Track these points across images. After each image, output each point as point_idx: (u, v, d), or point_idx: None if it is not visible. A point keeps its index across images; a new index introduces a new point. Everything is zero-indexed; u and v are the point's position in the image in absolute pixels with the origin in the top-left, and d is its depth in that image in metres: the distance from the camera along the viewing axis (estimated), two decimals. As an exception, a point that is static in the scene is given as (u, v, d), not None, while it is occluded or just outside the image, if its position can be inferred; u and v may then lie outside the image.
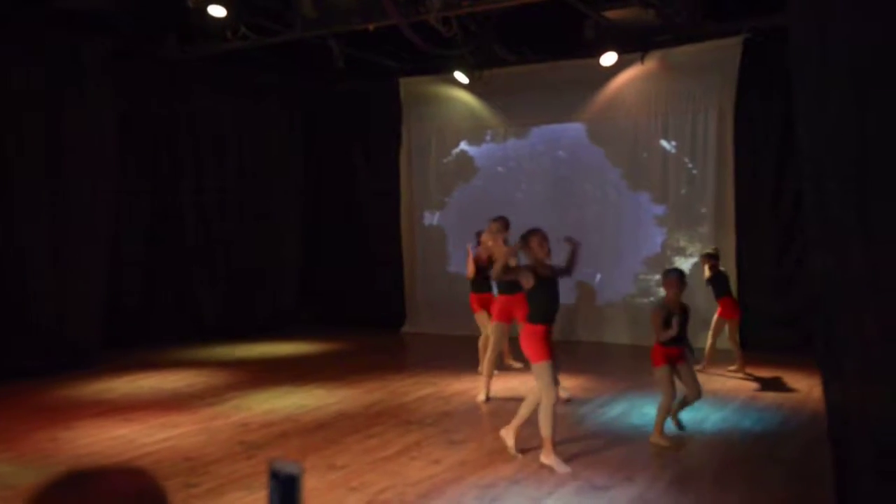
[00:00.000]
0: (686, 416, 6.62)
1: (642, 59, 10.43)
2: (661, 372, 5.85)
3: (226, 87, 11.55)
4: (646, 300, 10.63)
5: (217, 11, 8.81)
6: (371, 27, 9.22)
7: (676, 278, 6.04)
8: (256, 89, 11.99)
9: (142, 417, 6.73)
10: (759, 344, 9.30)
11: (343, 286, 12.66)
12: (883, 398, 2.80)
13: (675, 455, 5.61)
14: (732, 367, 8.47)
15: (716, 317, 8.54)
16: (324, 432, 6.27)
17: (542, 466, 5.30)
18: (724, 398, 7.31)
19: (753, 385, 7.92)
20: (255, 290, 11.98)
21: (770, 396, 7.42)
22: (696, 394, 5.95)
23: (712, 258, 8.62)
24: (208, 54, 10.22)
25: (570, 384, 7.90)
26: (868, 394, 2.83)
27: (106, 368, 8.88)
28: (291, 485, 1.31)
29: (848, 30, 2.73)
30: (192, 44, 9.99)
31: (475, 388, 7.90)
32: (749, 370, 8.43)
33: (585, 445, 5.84)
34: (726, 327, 8.56)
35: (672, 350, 5.89)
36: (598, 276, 10.92)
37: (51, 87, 9.03)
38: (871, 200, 2.63)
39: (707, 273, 8.68)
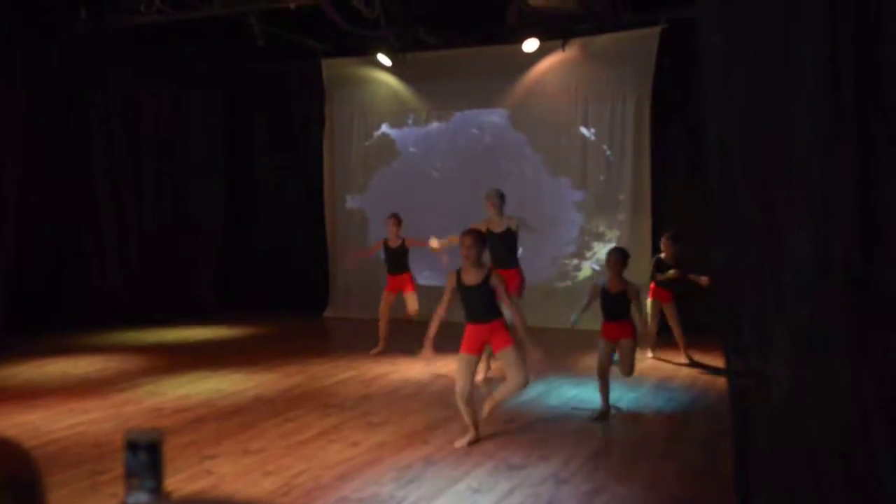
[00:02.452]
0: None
1: (563, 47, 10.56)
2: (600, 345, 6.28)
3: (141, 65, 11.16)
4: (563, 284, 10.82)
5: (130, -17, 8.49)
6: (293, 5, 9.06)
7: (614, 258, 6.20)
8: (173, 67, 11.63)
9: (48, 404, 6.49)
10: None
11: (264, 270, 12.47)
12: (782, 374, 2.92)
13: (589, 434, 5.74)
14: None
15: (650, 300, 8.36)
16: (240, 417, 6.17)
17: (461, 446, 5.35)
18: (638, 378, 7.50)
19: (667, 366, 8.17)
20: (172, 274, 11.67)
21: (682, 376, 7.67)
22: (624, 372, 6.34)
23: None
24: (121, 28, 9.85)
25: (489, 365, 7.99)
26: (767, 371, 2.95)
27: (11, 354, 8.51)
28: (154, 452, 1.28)
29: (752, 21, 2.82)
30: (104, 17, 9.60)
31: (396, 370, 7.92)
32: (663, 352, 8.66)
33: (502, 426, 5.91)
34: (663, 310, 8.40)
35: (609, 325, 6.23)
36: (520, 252, 10.99)
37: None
38: (773, 185, 2.74)
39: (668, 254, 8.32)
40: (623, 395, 6.81)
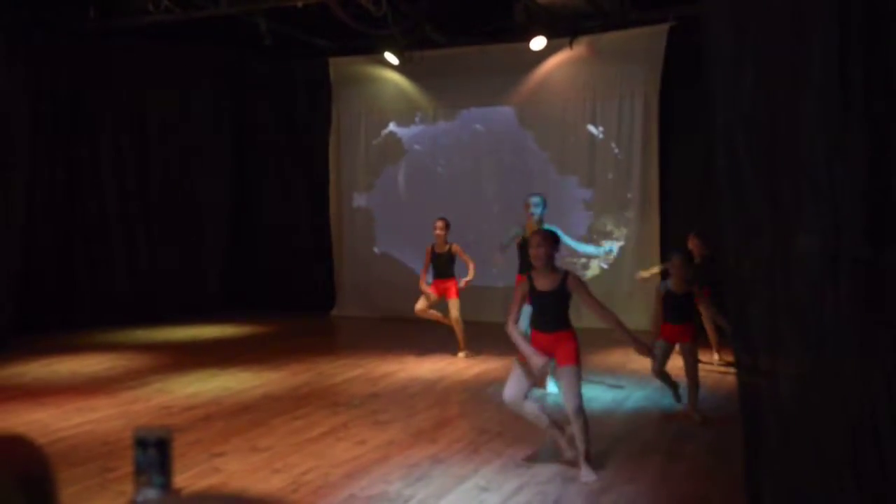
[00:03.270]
0: (610, 395, 6.80)
1: (571, 44, 10.54)
2: (659, 346, 6.03)
3: (148, 64, 11.20)
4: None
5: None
6: (300, 3, 9.07)
7: (679, 261, 6.14)
8: (180, 66, 11.66)
9: (57, 402, 6.51)
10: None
11: (271, 268, 12.48)
12: (790, 373, 2.90)
13: (596, 433, 5.72)
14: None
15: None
16: (248, 415, 6.18)
17: (468, 445, 5.34)
18: (647, 377, 7.48)
19: (676, 365, 8.13)
20: (179, 273, 11.71)
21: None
22: (689, 375, 6.10)
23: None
24: (130, 27, 9.88)
25: (496, 365, 7.99)
26: (777, 370, 2.93)
27: (20, 352, 8.55)
28: (163, 449, 1.28)
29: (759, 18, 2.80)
30: (112, 16, 9.63)
31: (403, 369, 7.92)
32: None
33: (512, 424, 5.89)
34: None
35: (672, 328, 6.06)
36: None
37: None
38: (781, 181, 2.72)
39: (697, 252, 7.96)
40: (631, 394, 6.79)
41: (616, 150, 10.57)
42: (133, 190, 11.23)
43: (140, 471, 1.29)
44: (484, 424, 5.88)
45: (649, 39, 10.08)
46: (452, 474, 4.81)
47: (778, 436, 2.87)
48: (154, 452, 1.28)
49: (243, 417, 6.10)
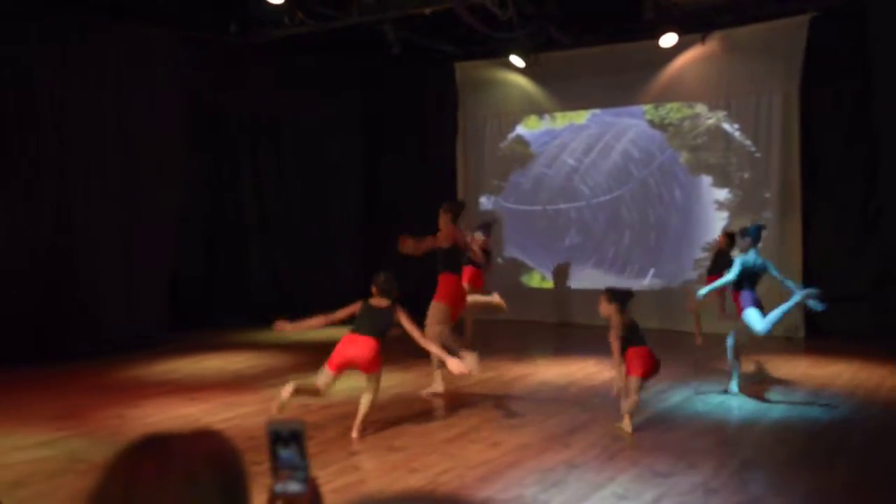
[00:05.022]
0: (752, 403, 6.52)
1: (703, 40, 10.20)
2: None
3: (283, 73, 11.67)
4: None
5: (275, -2, 8.89)
6: (427, 11, 9.21)
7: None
8: (313, 75, 12.09)
9: (206, 397, 6.88)
10: (828, 331, 9.13)
11: (400, 270, 12.69)
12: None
13: (739, 443, 5.50)
14: None
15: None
16: (382, 414, 6.31)
17: (603, 452, 5.25)
18: (791, 386, 7.14)
19: (822, 373, 7.72)
20: (314, 275, 12.12)
21: (840, 384, 7.22)
22: None
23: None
24: (267, 40, 10.35)
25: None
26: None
27: (171, 349, 9.09)
28: (299, 440, 1.31)
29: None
30: (252, 30, 10.12)
31: (534, 372, 7.89)
32: (818, 359, 8.23)
33: (647, 431, 5.76)
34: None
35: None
36: (658, 255, 10.76)
37: (120, 73, 9.27)
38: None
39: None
40: (774, 405, 6.48)
41: (753, 149, 10.13)
42: (272, 195, 11.74)
43: (277, 464, 1.31)
44: (618, 431, 5.76)
45: (788, 32, 9.61)
46: (588, 481, 4.74)
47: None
48: (289, 445, 1.31)
49: (377, 417, 6.23)
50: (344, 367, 5.76)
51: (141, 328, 9.39)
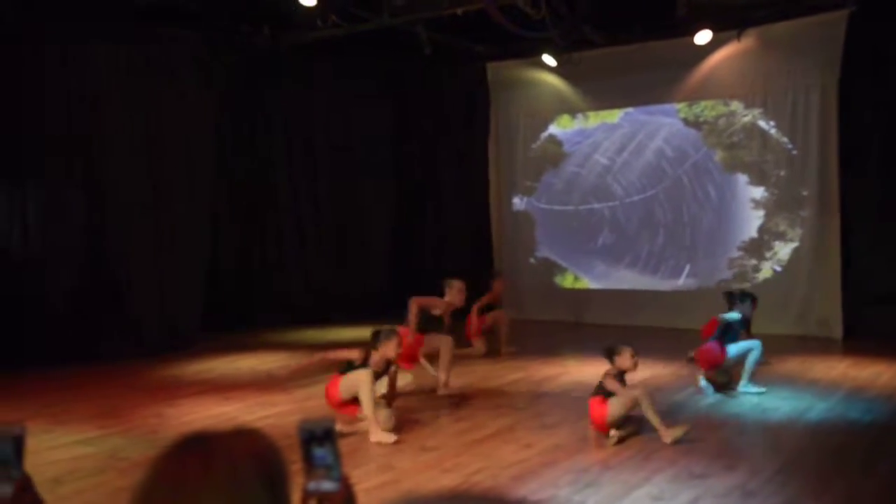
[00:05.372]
0: (789, 405, 6.42)
1: (739, 37, 10.06)
2: None
3: (316, 75, 11.76)
4: (741, 286, 10.28)
5: (307, 1, 8.94)
6: (459, 11, 9.20)
7: None
8: (345, 77, 12.16)
9: (241, 396, 6.95)
10: (867, 330, 8.97)
11: (431, 270, 12.72)
12: None
13: (777, 445, 5.42)
14: None
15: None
16: (414, 414, 6.33)
17: (638, 452, 5.21)
18: (829, 387, 7.01)
19: (861, 374, 7.58)
20: (346, 275, 12.19)
21: (879, 386, 7.07)
22: None
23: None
24: (299, 43, 10.42)
25: (666, 371, 7.77)
26: None
27: (205, 349, 9.20)
28: (332, 439, 1.31)
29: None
30: (283, 33, 10.20)
31: (566, 372, 7.84)
32: (857, 359, 8.08)
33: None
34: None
35: None
36: (693, 255, 10.64)
37: (153, 74, 9.41)
38: None
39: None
40: (813, 405, 6.37)
41: (790, 146, 9.97)
42: (304, 196, 11.82)
43: (310, 462, 1.32)
44: (653, 431, 5.70)
45: (826, 27, 9.43)
46: (622, 481, 4.70)
47: None
48: (323, 444, 1.32)
49: (410, 416, 6.25)
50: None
51: (176, 329, 9.52)
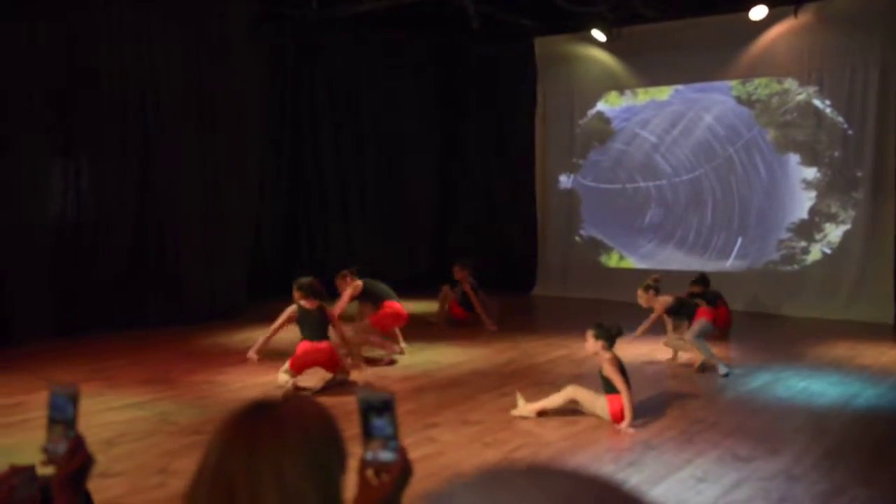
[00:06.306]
0: (836, 390, 6.32)
1: (796, 13, 9.79)
2: None
3: (362, 49, 11.75)
4: (788, 268, 10.12)
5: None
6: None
7: None
8: (392, 50, 12.14)
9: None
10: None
11: (474, 247, 12.73)
12: None
13: (822, 430, 5.34)
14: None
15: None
16: (458, 389, 6.37)
17: (681, 434, 5.18)
18: (879, 374, 6.88)
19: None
20: (390, 249, 12.25)
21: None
22: None
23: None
24: (347, 16, 10.42)
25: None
26: None
27: (250, 319, 9.33)
28: (391, 410, 1.35)
29: None
30: (331, 7, 10.20)
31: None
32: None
33: (727, 414, 5.66)
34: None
35: None
36: (742, 235, 10.47)
37: (200, 48, 9.51)
38: None
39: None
40: (862, 391, 6.26)
41: (845, 125, 9.71)
42: (349, 169, 11.88)
43: (369, 432, 1.34)
44: (697, 413, 5.67)
45: (889, 2, 9.13)
46: (665, 462, 4.69)
47: None
48: (382, 414, 1.34)
49: (453, 391, 6.30)
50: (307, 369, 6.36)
51: (222, 297, 9.69)
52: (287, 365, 6.33)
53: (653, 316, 7.26)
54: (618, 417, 5.35)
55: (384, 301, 7.66)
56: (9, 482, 1.55)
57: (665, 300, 7.14)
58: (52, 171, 8.69)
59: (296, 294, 6.43)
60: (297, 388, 6.22)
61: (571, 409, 5.64)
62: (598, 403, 5.45)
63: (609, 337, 5.50)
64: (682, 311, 7.21)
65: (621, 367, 5.45)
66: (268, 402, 1.28)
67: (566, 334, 8.68)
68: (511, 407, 5.69)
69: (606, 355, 5.48)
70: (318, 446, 1.23)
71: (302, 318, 6.47)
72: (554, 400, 5.56)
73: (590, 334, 5.55)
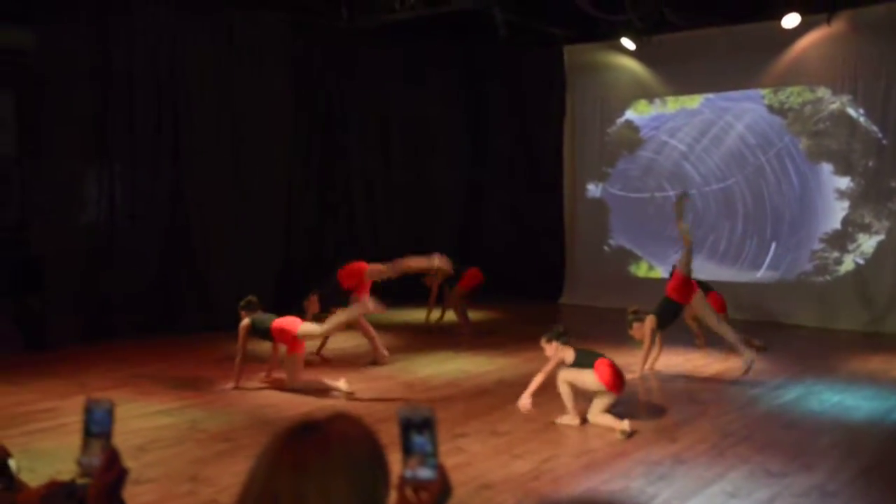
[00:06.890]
0: (870, 405, 6.21)
1: (829, 21, 9.66)
2: None
3: (392, 57, 11.79)
4: (821, 279, 9.97)
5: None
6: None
7: None
8: (421, 58, 12.16)
9: (316, 376, 7.06)
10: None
11: (501, 255, 12.71)
12: None
13: (857, 446, 5.25)
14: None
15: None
16: (486, 398, 6.36)
17: (711, 448, 5.11)
18: (915, 388, 6.75)
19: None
20: (417, 252, 12.22)
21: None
22: None
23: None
24: (376, 25, 10.47)
25: (738, 363, 7.58)
26: None
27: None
28: (431, 427, 1.32)
29: None
30: (361, 15, 10.26)
31: (634, 363, 7.72)
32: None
33: (759, 428, 5.58)
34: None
35: None
36: (773, 246, 10.34)
37: (231, 57, 9.62)
38: None
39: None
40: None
41: (880, 135, 9.57)
42: (377, 176, 11.91)
43: (409, 449, 1.32)
44: (728, 426, 5.60)
45: (924, 10, 9.00)
46: (696, 476, 4.63)
47: None
48: (422, 431, 1.32)
49: (481, 401, 6.28)
50: None
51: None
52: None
53: (647, 342, 7.23)
54: (611, 384, 5.48)
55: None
56: (49, 495, 1.56)
57: (650, 321, 7.20)
58: (86, 178, 8.83)
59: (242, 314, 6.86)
60: (349, 395, 6.32)
61: (613, 414, 5.60)
62: (588, 378, 5.60)
63: (558, 335, 5.78)
64: (665, 320, 7.34)
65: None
66: (313, 422, 1.28)
67: (594, 345, 8.57)
68: (539, 416, 5.67)
69: (566, 349, 5.73)
70: (363, 467, 1.24)
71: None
72: (565, 396, 5.67)
73: (543, 342, 5.81)
